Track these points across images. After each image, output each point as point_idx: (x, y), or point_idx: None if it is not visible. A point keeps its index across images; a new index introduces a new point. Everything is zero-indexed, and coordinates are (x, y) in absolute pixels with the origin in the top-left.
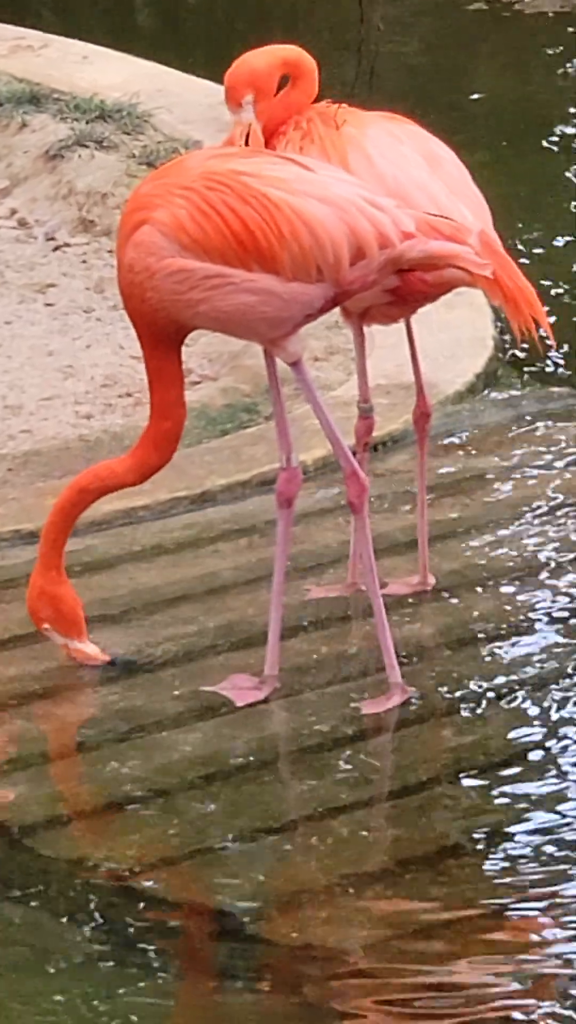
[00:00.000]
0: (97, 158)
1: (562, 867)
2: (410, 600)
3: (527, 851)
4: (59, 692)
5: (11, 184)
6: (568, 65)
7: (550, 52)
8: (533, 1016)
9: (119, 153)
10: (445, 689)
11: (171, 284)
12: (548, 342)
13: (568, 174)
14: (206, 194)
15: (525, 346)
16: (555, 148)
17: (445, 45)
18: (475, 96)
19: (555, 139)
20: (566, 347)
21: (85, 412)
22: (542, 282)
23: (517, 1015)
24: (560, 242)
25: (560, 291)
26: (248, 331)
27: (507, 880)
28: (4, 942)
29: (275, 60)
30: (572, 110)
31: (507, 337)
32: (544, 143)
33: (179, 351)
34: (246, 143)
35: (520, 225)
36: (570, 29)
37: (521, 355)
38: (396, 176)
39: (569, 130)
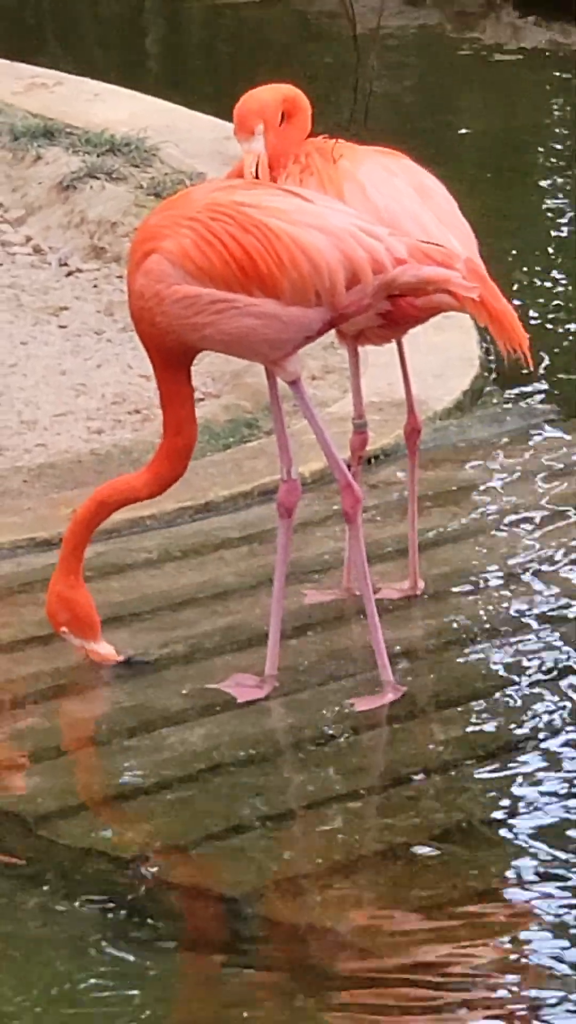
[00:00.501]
0: (107, 189)
1: (545, 853)
2: (401, 604)
3: (511, 838)
4: (72, 690)
5: (27, 213)
6: (550, 103)
7: (532, 92)
8: (517, 995)
9: (128, 184)
10: (434, 687)
11: (179, 309)
12: (527, 365)
13: (548, 204)
14: (210, 224)
15: (508, 365)
16: (537, 181)
17: (435, 85)
18: (463, 132)
19: (537, 172)
20: (545, 365)
21: (96, 427)
22: (523, 306)
23: (500, 993)
24: (541, 268)
25: (540, 315)
26: (251, 352)
27: (492, 865)
28: (19, 924)
29: (278, 96)
30: (554, 145)
31: (492, 357)
32: (526, 176)
33: (188, 372)
34: (257, 171)
35: (504, 253)
36: (556, 72)
37: (505, 374)
38: (389, 207)
39: (549, 164)
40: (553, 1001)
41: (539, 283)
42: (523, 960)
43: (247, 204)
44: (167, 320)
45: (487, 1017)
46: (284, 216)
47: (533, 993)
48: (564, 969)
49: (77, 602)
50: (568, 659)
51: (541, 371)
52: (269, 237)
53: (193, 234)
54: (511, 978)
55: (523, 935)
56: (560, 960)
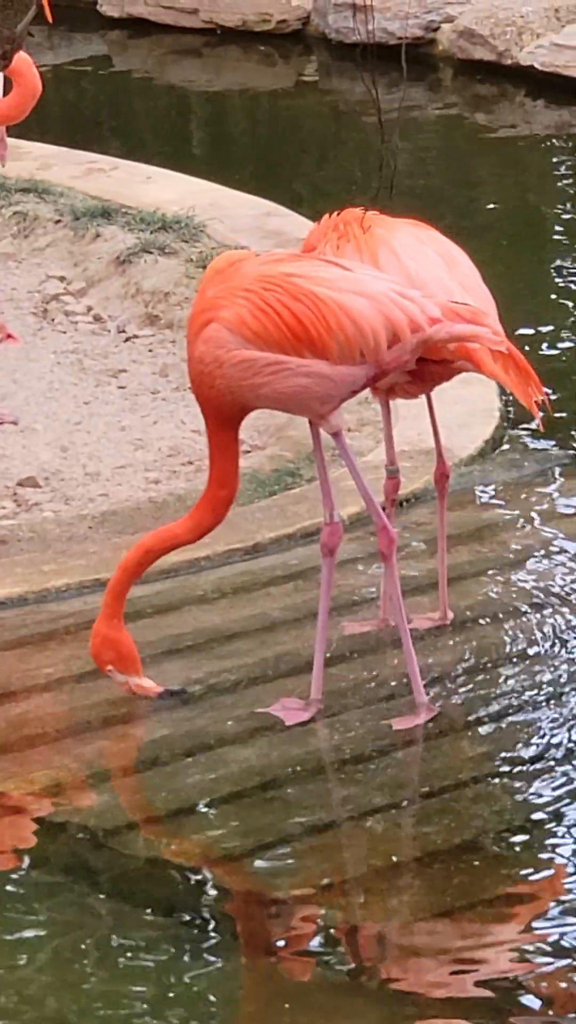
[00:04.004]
0: (160, 263)
1: (570, 859)
2: (433, 632)
3: (539, 844)
4: (135, 716)
5: (87, 285)
6: (561, 181)
7: (544, 170)
8: (548, 991)
9: (179, 258)
10: (464, 708)
11: (237, 372)
12: (544, 412)
13: (561, 272)
14: (264, 295)
15: (529, 420)
16: (550, 251)
17: (454, 164)
18: (480, 206)
19: (550, 243)
20: (558, 417)
21: (153, 478)
22: (536, 363)
23: (530, 990)
24: (552, 329)
25: (553, 371)
26: (302, 408)
27: (522, 870)
28: (88, 929)
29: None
30: (566, 217)
31: (511, 409)
32: (540, 247)
33: (238, 431)
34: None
35: (519, 316)
36: (565, 151)
37: (524, 424)
38: (419, 273)
39: (562, 236)
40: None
41: (549, 343)
42: (554, 959)
43: (295, 275)
44: (226, 382)
45: (523, 1012)
46: (329, 284)
47: (565, 991)
48: None
49: (121, 642)
50: None
51: (555, 422)
52: (317, 304)
53: (249, 304)
54: (542, 975)
55: (553, 933)
56: None
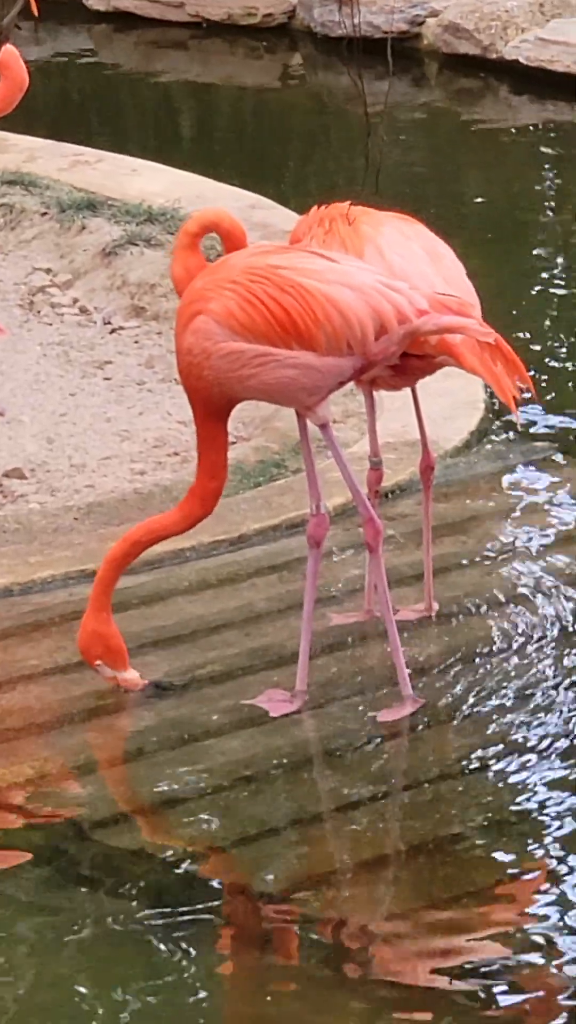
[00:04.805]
0: (146, 254)
1: (557, 848)
2: (418, 624)
3: (524, 835)
4: (121, 708)
5: (73, 277)
6: (545, 174)
7: (528, 164)
8: (524, 981)
9: (164, 250)
10: (450, 699)
11: (225, 363)
12: (529, 395)
13: (543, 265)
14: (251, 286)
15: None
16: (533, 244)
17: (439, 157)
18: (465, 199)
19: (533, 236)
20: (542, 408)
21: (139, 469)
22: (523, 358)
23: (513, 980)
24: (535, 322)
25: (534, 362)
26: (289, 399)
27: (507, 863)
28: (74, 920)
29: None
30: (550, 211)
31: (496, 401)
32: (524, 239)
33: (227, 422)
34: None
35: (501, 309)
36: (548, 145)
37: (508, 416)
38: (403, 267)
39: (544, 229)
40: (565, 986)
41: (533, 335)
42: (539, 948)
43: (282, 267)
44: (214, 374)
45: (506, 1002)
46: (316, 276)
47: (549, 979)
48: (574, 954)
49: (110, 636)
50: (568, 671)
51: (538, 413)
52: (304, 296)
53: (236, 296)
54: (526, 966)
55: (537, 924)
56: (573, 947)
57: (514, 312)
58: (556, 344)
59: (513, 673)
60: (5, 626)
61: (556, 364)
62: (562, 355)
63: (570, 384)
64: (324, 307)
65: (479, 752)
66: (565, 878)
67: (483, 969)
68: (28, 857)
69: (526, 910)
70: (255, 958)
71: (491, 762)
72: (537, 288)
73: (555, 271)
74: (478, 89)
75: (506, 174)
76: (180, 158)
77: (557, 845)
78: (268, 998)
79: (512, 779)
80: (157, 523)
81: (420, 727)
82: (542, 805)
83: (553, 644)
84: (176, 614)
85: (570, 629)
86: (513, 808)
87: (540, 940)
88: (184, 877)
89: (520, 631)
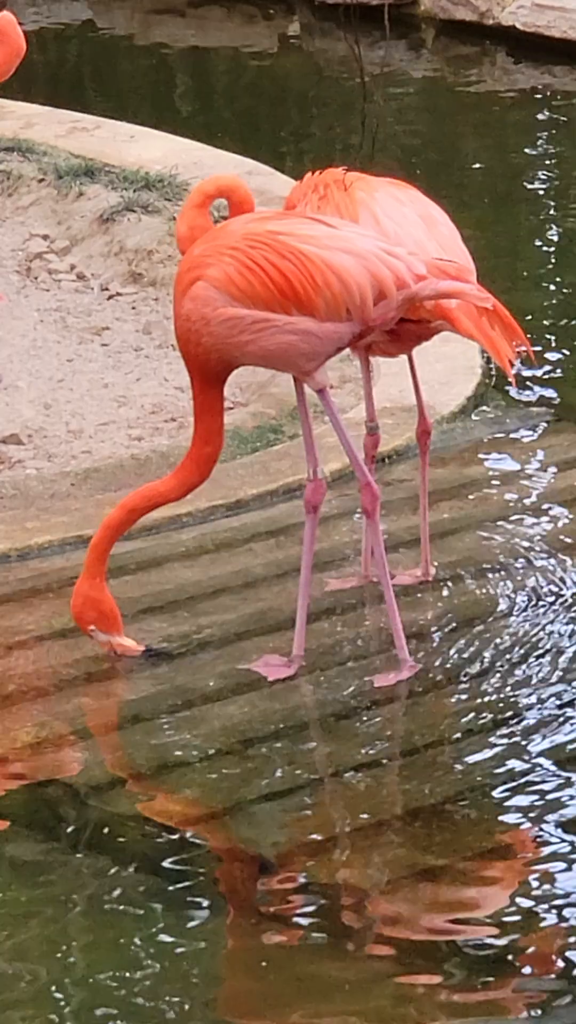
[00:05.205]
0: (143, 221)
1: (551, 814)
2: (415, 589)
3: (520, 801)
4: (117, 673)
5: (71, 244)
6: (540, 139)
7: (524, 129)
8: (522, 946)
9: (162, 216)
10: (447, 664)
11: (224, 329)
12: (527, 357)
13: (539, 230)
14: (250, 252)
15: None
16: (529, 209)
17: (435, 122)
18: (462, 164)
19: (529, 201)
20: (539, 373)
21: (136, 435)
22: (520, 323)
23: (509, 944)
24: (530, 287)
25: (530, 328)
26: (288, 365)
27: (502, 825)
28: (71, 885)
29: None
30: (546, 176)
31: (493, 366)
32: (520, 205)
33: (223, 388)
34: None
35: (502, 275)
36: (545, 110)
37: (505, 381)
38: (398, 233)
39: (541, 194)
40: (563, 950)
41: (529, 300)
42: (534, 912)
43: (281, 232)
44: (213, 340)
45: (503, 967)
46: (315, 242)
47: (545, 943)
48: (571, 920)
49: (103, 601)
50: (565, 636)
51: (536, 379)
52: (303, 261)
53: (235, 262)
54: (524, 931)
55: (532, 888)
56: (569, 912)
57: (509, 277)
58: (552, 309)
59: (510, 637)
60: (2, 592)
61: (552, 329)
62: (558, 320)
63: (566, 349)
64: (323, 273)
65: (476, 716)
66: (560, 843)
67: (481, 935)
68: (25, 821)
69: (524, 876)
70: (251, 923)
71: (488, 727)
72: (534, 253)
73: (550, 236)
74: (475, 55)
75: (502, 140)
76: (177, 124)
77: (553, 810)
78: (264, 963)
79: (509, 743)
80: (153, 490)
81: (417, 692)
82: (538, 770)
83: (549, 608)
84: (173, 579)
85: (566, 593)
86: (509, 773)
87: (536, 904)
88: (181, 842)
89: (516, 595)
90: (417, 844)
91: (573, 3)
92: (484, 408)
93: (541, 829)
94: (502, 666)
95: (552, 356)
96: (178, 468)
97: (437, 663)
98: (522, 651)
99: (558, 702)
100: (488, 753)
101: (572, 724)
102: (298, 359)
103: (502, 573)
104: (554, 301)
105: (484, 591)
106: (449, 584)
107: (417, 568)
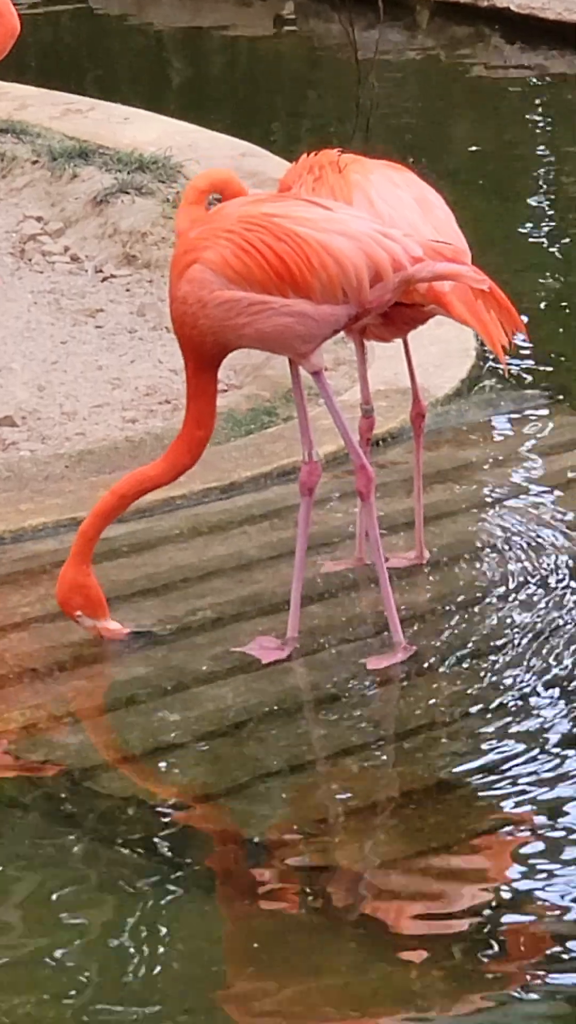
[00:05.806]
0: (137, 203)
1: (545, 795)
2: (409, 571)
3: (513, 782)
4: (111, 655)
5: (65, 226)
6: (535, 121)
7: (518, 111)
8: (515, 929)
9: (156, 199)
10: (441, 646)
11: (220, 312)
12: (525, 337)
13: (534, 213)
14: (246, 235)
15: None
16: (523, 191)
17: (430, 104)
18: (456, 146)
19: (523, 184)
20: (533, 356)
21: (130, 417)
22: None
23: (503, 926)
24: (523, 270)
25: (525, 311)
26: (284, 347)
27: (496, 808)
28: (65, 868)
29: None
30: (540, 158)
31: (488, 349)
32: (514, 187)
33: (217, 371)
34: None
35: (497, 258)
36: (539, 93)
37: (499, 364)
38: (392, 216)
39: (538, 175)
40: (553, 931)
41: (523, 282)
42: (528, 894)
43: (277, 215)
44: (209, 322)
45: (496, 948)
46: (311, 224)
47: (538, 925)
48: (562, 901)
49: (89, 587)
50: (559, 618)
51: (529, 361)
52: (300, 244)
53: (231, 244)
54: (517, 914)
55: (527, 871)
56: (561, 893)
57: (507, 260)
58: (545, 291)
59: (503, 620)
60: None
61: (547, 312)
62: (553, 303)
63: (561, 331)
64: (320, 255)
65: (470, 699)
66: (555, 825)
67: (474, 917)
68: (18, 804)
69: (516, 857)
70: (245, 905)
71: (481, 709)
72: (529, 236)
73: (545, 218)
74: (469, 37)
75: (497, 121)
76: (172, 106)
77: (547, 792)
78: (258, 944)
79: (502, 726)
80: (143, 475)
81: (411, 674)
82: (533, 751)
83: (543, 591)
84: (167, 561)
85: (559, 576)
86: (503, 755)
87: (530, 886)
88: (174, 824)
89: (510, 578)
90: (411, 826)
91: None
92: (478, 391)
93: (535, 811)
94: (495, 648)
95: (547, 338)
96: (168, 451)
97: (431, 645)
98: (516, 633)
99: (552, 684)
100: (483, 735)
101: (565, 706)
102: (294, 341)
103: (496, 556)
104: (548, 283)
105: (478, 574)
106: (443, 567)
107: (411, 551)
